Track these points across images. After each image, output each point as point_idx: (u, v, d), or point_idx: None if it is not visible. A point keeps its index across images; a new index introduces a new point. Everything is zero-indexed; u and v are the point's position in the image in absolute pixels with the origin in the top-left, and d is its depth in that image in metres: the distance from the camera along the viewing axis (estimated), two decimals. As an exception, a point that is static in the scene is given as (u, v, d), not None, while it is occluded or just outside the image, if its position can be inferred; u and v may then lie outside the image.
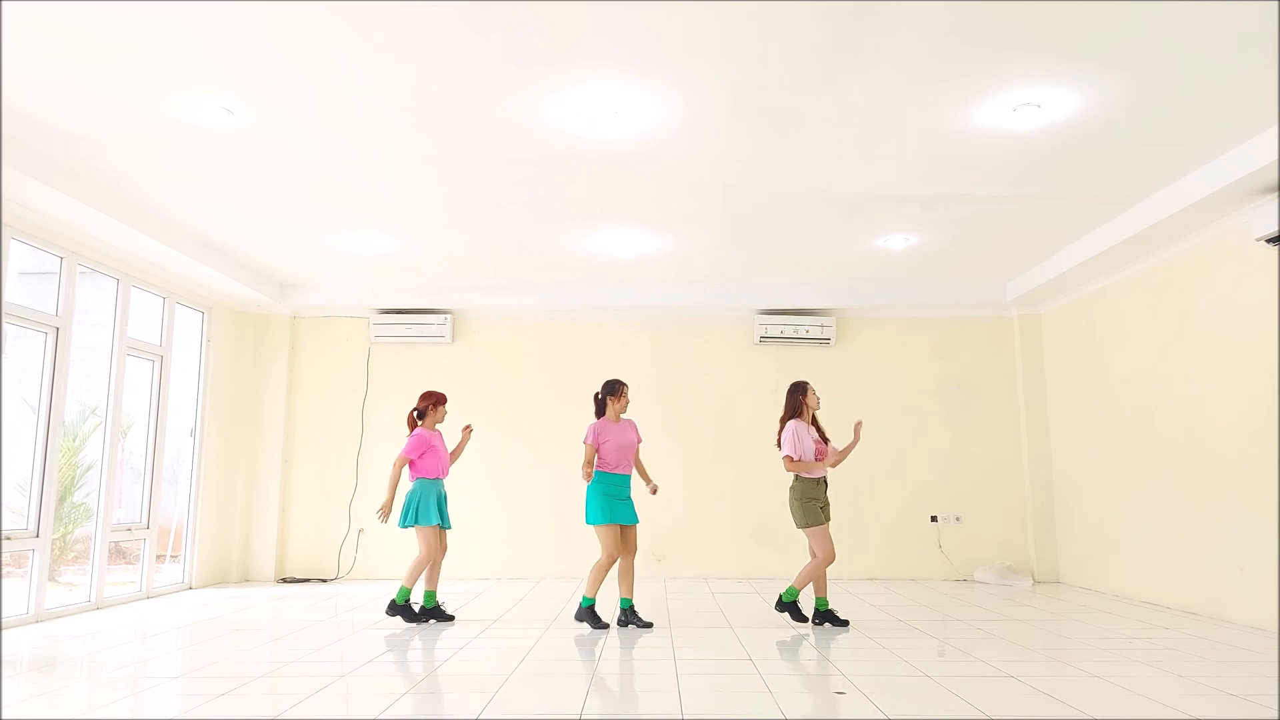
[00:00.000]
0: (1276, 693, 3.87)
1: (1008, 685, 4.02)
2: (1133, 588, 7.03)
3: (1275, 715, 3.51)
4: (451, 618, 6.02)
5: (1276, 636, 5.30)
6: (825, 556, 5.59)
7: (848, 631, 5.52)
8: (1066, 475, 8.21)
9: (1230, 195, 5.45)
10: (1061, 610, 6.49)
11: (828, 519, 5.67)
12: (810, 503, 5.64)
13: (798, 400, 5.81)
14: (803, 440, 5.65)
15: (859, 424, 5.89)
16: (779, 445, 5.82)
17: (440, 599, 6.23)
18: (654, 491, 5.81)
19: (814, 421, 5.86)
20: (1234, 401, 5.88)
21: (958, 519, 8.66)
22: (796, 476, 5.71)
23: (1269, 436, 5.55)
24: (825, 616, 5.69)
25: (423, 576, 5.98)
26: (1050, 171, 5.61)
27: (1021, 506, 8.64)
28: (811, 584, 5.71)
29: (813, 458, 5.66)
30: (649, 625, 5.65)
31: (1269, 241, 5.43)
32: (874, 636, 5.32)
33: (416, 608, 6.00)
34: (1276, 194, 5.33)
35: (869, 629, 5.60)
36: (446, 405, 6.20)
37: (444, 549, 6.07)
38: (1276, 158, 4.87)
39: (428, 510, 5.92)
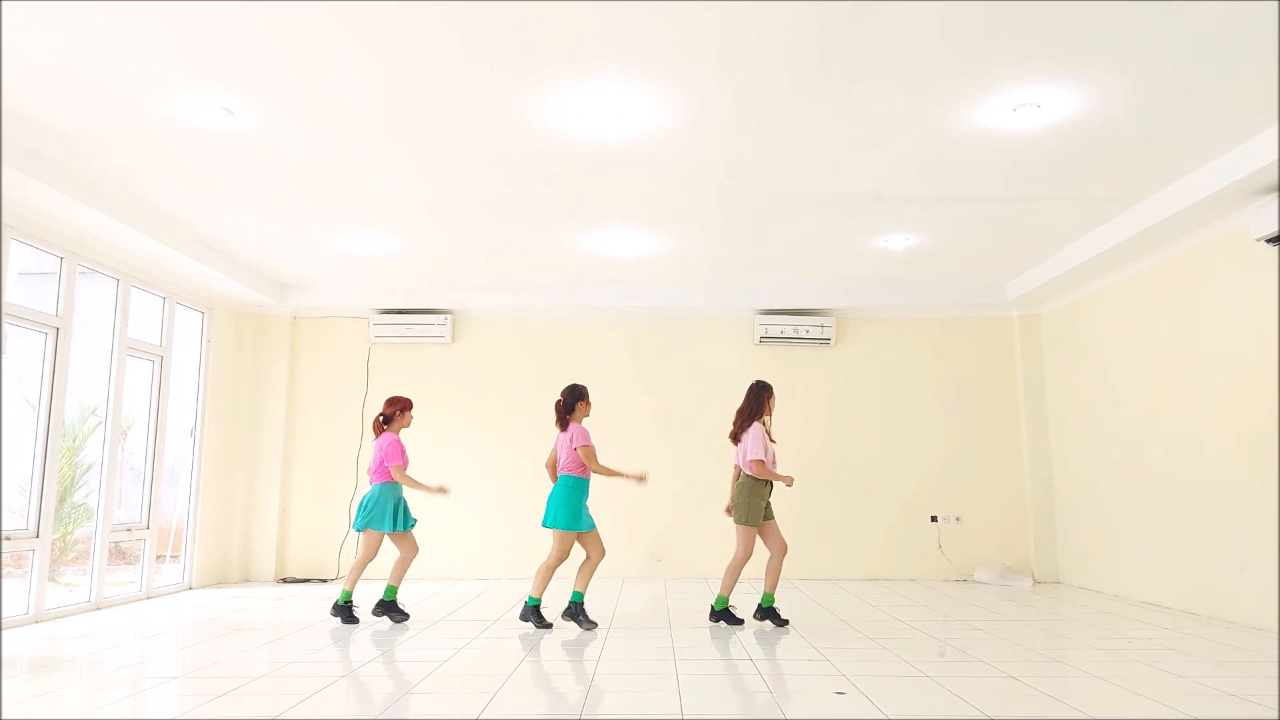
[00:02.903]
0: (1276, 693, 3.88)
1: (1008, 685, 4.02)
2: (1133, 588, 7.02)
3: (1275, 715, 3.51)
4: (357, 620, 5.87)
5: (1277, 636, 5.30)
6: (748, 555, 5.66)
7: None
8: (1067, 475, 8.21)
9: (1230, 195, 5.44)
10: (1062, 610, 6.49)
11: (769, 518, 5.73)
12: (756, 501, 5.68)
13: (763, 401, 5.82)
14: (767, 444, 5.71)
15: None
16: (734, 439, 5.85)
17: (356, 601, 6.15)
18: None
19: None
20: (1234, 401, 5.88)
21: (958, 519, 8.66)
22: (751, 476, 5.71)
23: (1269, 436, 5.55)
24: (724, 615, 5.75)
25: (351, 574, 5.92)
26: (1050, 172, 5.61)
27: (1022, 506, 8.64)
28: (725, 579, 5.73)
29: (773, 463, 5.73)
30: (550, 626, 5.67)
31: (1269, 241, 5.43)
32: (874, 636, 5.32)
33: (402, 605, 6.01)
34: (1276, 194, 5.33)
35: (869, 629, 5.60)
36: (413, 411, 6.19)
37: (415, 549, 6.01)
38: (1276, 158, 4.87)
39: (382, 516, 5.87)
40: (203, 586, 7.98)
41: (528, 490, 8.72)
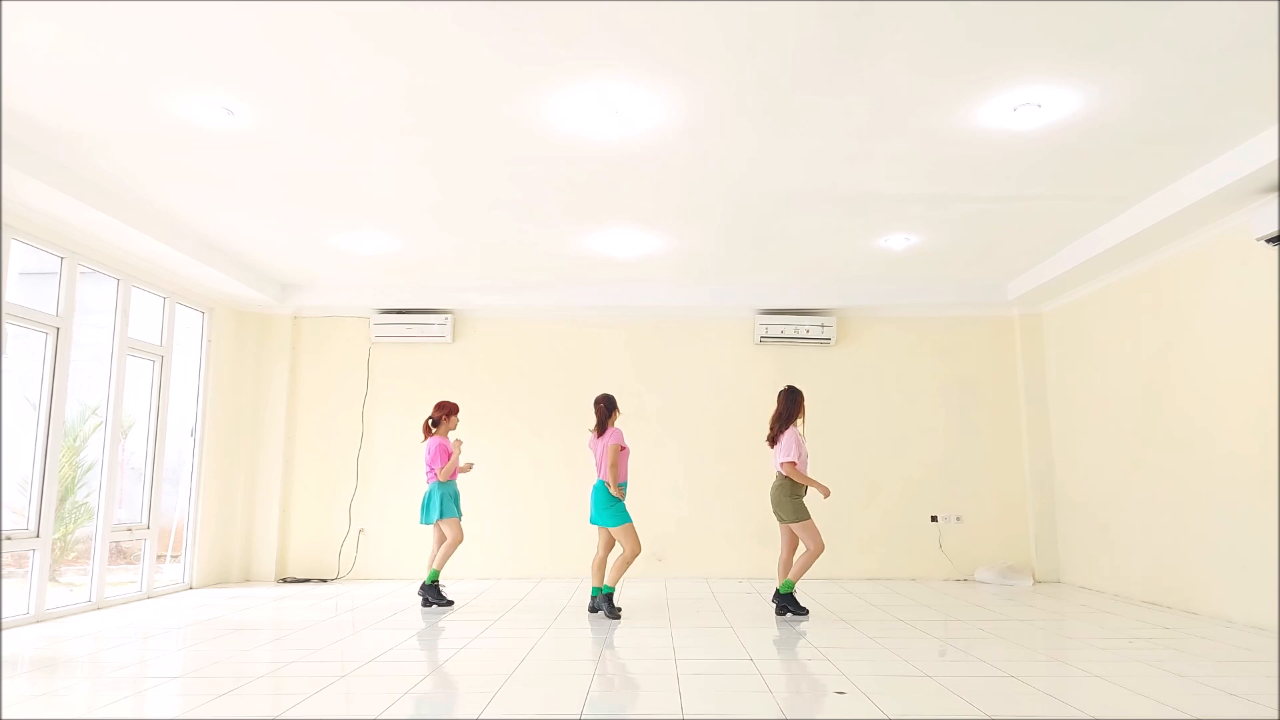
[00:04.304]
0: (1277, 693, 3.87)
1: (1009, 685, 4.02)
2: (1134, 587, 7.02)
3: (1276, 715, 3.50)
4: (451, 602, 6.70)
5: (1277, 636, 5.30)
6: (819, 547, 5.95)
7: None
8: (1068, 474, 8.21)
9: (1231, 195, 5.44)
10: (1063, 610, 6.49)
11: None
12: (797, 499, 6.00)
13: (798, 406, 6.15)
14: (802, 448, 6.03)
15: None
16: (771, 443, 6.16)
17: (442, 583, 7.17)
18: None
19: None
20: (1235, 401, 5.87)
21: (958, 519, 8.65)
22: (785, 475, 6.05)
23: (1270, 436, 5.54)
24: (788, 601, 6.12)
25: (441, 559, 6.69)
26: (1051, 171, 5.60)
27: (1022, 506, 8.64)
28: (796, 568, 6.05)
29: (805, 465, 6.04)
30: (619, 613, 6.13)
31: (1270, 241, 5.43)
32: (874, 636, 5.32)
33: (445, 591, 6.92)
34: (1277, 193, 5.33)
35: (869, 629, 5.60)
36: (459, 415, 6.88)
37: (460, 537, 6.75)
38: (1277, 157, 4.87)
39: (450, 506, 6.65)
40: (203, 586, 7.99)
41: (527, 490, 8.74)
